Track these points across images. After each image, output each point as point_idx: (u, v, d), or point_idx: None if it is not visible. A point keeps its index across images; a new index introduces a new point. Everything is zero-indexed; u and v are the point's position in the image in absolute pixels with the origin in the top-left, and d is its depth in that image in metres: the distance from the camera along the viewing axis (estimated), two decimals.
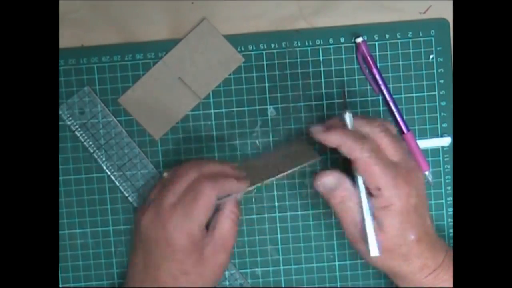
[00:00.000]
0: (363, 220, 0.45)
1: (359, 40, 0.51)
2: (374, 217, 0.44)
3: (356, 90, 0.52)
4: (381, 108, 0.52)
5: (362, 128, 0.46)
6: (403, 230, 0.44)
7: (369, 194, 0.45)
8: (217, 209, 0.47)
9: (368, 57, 0.51)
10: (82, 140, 0.52)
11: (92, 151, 0.52)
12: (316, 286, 0.53)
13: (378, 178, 0.44)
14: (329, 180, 0.46)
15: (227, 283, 0.52)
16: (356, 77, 0.53)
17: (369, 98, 0.53)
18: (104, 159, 0.52)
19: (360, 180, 0.45)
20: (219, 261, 0.46)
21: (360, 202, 0.45)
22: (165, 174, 0.48)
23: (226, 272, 0.52)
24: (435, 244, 0.46)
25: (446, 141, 0.52)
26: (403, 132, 0.51)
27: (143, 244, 0.46)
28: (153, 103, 0.52)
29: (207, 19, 0.52)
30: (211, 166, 0.48)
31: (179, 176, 0.46)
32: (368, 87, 0.52)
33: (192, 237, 0.45)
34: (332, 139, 0.45)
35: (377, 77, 0.52)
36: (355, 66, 0.52)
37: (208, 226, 0.47)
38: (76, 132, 0.52)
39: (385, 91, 0.52)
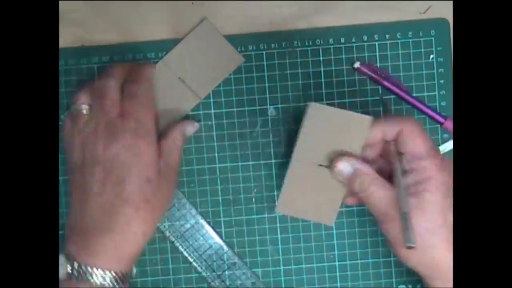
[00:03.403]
0: (399, 204, 0.41)
1: (357, 65, 0.51)
2: (411, 195, 0.41)
3: (357, 90, 0.53)
4: (381, 108, 0.52)
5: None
6: (444, 208, 0.41)
7: (404, 172, 0.43)
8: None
9: (374, 75, 0.51)
10: None
11: None
12: (317, 286, 0.53)
13: (423, 144, 0.42)
14: (345, 167, 0.44)
15: (239, 282, 0.52)
16: (356, 77, 0.53)
17: (369, 98, 0.53)
18: None
19: (395, 160, 0.43)
20: (172, 178, 0.48)
21: (395, 183, 0.42)
22: (74, 108, 0.47)
23: (237, 271, 0.52)
24: None
25: (448, 145, 0.53)
26: (442, 123, 0.52)
27: (103, 164, 0.45)
28: (153, 103, 0.52)
29: (207, 19, 0.52)
30: (124, 67, 0.49)
31: (106, 89, 0.46)
32: (368, 87, 0.52)
33: (151, 137, 0.46)
34: (379, 128, 0.44)
35: (392, 88, 0.52)
36: (355, 66, 0.52)
37: None
38: None
39: (407, 98, 0.52)
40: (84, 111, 0.47)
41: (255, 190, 0.53)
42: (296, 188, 0.46)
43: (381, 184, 0.43)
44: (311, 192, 0.46)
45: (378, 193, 0.43)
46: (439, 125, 0.53)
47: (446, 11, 0.52)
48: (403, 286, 0.53)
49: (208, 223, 0.53)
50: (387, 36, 0.52)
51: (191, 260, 0.52)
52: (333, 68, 0.52)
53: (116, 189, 0.44)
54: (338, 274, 0.53)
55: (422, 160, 0.42)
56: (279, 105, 0.53)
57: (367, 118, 0.45)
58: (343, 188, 0.46)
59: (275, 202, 0.53)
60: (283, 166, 0.52)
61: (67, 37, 0.52)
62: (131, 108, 0.46)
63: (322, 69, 0.53)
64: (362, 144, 0.45)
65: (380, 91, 0.52)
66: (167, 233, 0.53)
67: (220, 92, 0.53)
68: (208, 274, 0.52)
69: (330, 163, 0.45)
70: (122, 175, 0.45)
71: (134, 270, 0.47)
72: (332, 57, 0.52)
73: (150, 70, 0.49)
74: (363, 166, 0.44)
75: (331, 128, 0.45)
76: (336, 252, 0.53)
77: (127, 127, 0.45)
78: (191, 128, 0.51)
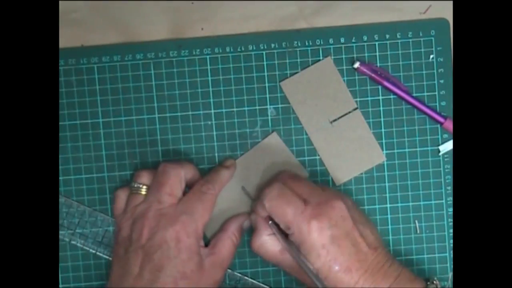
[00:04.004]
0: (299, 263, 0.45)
1: (357, 65, 0.51)
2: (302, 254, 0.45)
3: (357, 90, 0.52)
4: (381, 108, 0.52)
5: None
6: (323, 263, 0.44)
7: (284, 233, 0.46)
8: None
9: (374, 75, 0.51)
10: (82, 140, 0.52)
11: (92, 151, 0.52)
12: None
13: (284, 216, 0.45)
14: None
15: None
16: (356, 77, 0.52)
17: (369, 98, 0.53)
18: (104, 159, 0.52)
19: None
20: (216, 276, 0.48)
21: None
22: (135, 185, 0.49)
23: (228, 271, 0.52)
24: (379, 271, 0.44)
25: (448, 145, 0.53)
26: (442, 123, 0.52)
27: (145, 249, 0.46)
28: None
29: (276, 132, 0.52)
30: (189, 165, 0.50)
31: (167, 177, 0.48)
32: (368, 87, 0.52)
33: (197, 236, 0.47)
34: (255, 217, 0.48)
35: (391, 88, 0.52)
36: (355, 66, 0.52)
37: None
38: (76, 132, 0.52)
39: (407, 98, 0.52)
40: (143, 191, 0.48)
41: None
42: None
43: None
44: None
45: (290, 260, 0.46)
46: (439, 125, 0.52)
47: (446, 11, 0.52)
48: None
49: None
50: (387, 36, 0.52)
51: None
52: None
53: (152, 277, 0.45)
54: None
55: (290, 229, 0.45)
56: (279, 105, 0.53)
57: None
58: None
59: None
60: None
61: (67, 37, 0.52)
62: (192, 204, 0.47)
63: None
64: None
65: (380, 91, 0.52)
66: None
67: (220, 92, 0.53)
68: None
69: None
70: (160, 264, 0.45)
71: None
72: (332, 57, 0.52)
73: (229, 174, 0.51)
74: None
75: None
76: None
77: (178, 220, 0.46)
78: (249, 222, 0.51)
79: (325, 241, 0.44)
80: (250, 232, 0.52)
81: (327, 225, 0.44)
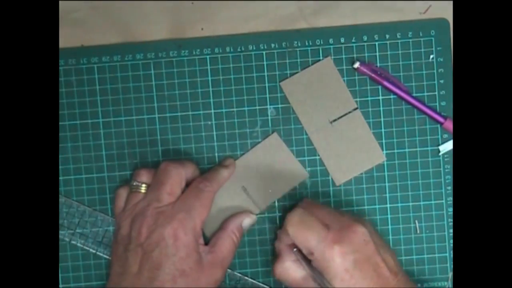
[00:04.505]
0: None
1: (357, 65, 0.51)
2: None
3: (357, 90, 0.53)
4: (381, 108, 0.52)
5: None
6: (352, 282, 0.44)
7: (308, 260, 0.46)
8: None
9: (374, 75, 0.51)
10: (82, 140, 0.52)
11: (92, 151, 0.52)
12: None
13: (307, 242, 0.45)
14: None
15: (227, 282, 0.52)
16: (356, 77, 0.53)
17: (369, 98, 0.53)
18: (104, 159, 0.52)
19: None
20: (216, 275, 0.47)
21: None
22: (134, 183, 0.49)
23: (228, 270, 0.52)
24: None
25: (448, 145, 0.53)
26: (442, 123, 0.52)
27: (144, 247, 0.46)
28: (213, 208, 0.50)
29: (276, 133, 0.52)
30: (190, 165, 0.50)
31: (168, 176, 0.48)
32: (368, 87, 0.52)
33: (195, 233, 0.47)
34: (278, 243, 0.48)
35: (391, 88, 0.51)
36: (355, 66, 0.52)
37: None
38: (76, 132, 0.52)
39: (407, 98, 0.52)
40: (142, 190, 0.48)
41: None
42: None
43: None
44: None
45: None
46: (439, 125, 0.53)
47: (446, 11, 0.52)
48: None
49: None
50: (387, 36, 0.52)
51: None
52: None
53: (151, 275, 0.45)
54: None
55: (313, 254, 0.45)
56: (279, 105, 0.53)
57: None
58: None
59: (275, 202, 0.53)
60: None
61: (67, 37, 0.52)
62: (189, 201, 0.47)
63: None
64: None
65: (380, 91, 0.52)
66: None
67: (220, 92, 0.53)
68: None
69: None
70: (158, 262, 0.45)
71: None
72: (332, 57, 0.52)
73: (228, 173, 0.51)
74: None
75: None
76: None
77: (175, 218, 0.46)
78: (249, 220, 0.51)
79: (348, 266, 0.44)
80: (250, 232, 0.52)
81: (349, 250, 0.44)
